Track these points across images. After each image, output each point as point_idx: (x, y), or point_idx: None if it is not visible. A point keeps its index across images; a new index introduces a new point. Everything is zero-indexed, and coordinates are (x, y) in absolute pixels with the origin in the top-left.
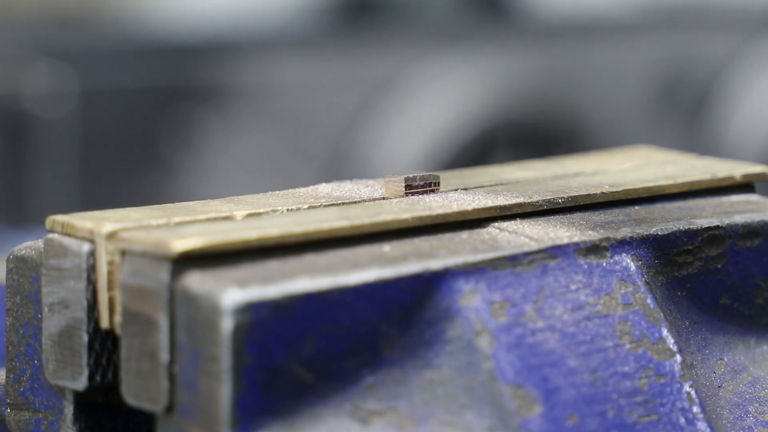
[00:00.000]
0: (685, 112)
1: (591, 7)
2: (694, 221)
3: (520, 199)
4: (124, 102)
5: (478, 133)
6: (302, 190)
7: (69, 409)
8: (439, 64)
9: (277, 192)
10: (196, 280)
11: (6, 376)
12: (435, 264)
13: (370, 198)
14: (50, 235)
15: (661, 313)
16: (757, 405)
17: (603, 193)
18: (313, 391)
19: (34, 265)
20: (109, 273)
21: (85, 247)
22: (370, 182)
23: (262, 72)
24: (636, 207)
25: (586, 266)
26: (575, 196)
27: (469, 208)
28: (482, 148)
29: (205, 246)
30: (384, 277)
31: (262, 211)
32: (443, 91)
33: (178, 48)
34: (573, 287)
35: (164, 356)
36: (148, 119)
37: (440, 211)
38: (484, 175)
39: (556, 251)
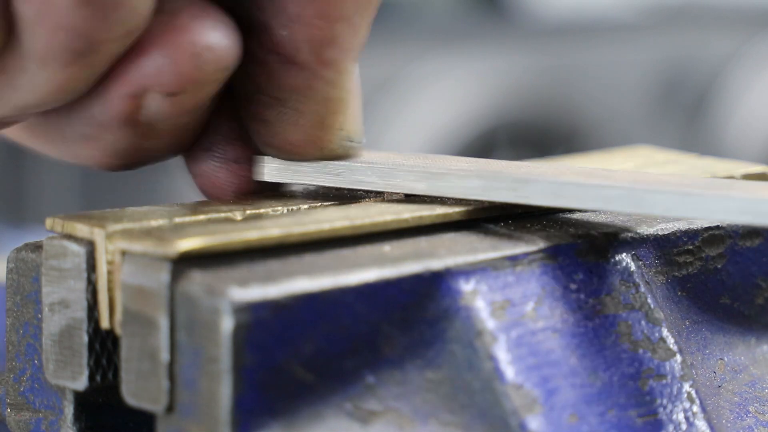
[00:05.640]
0: (685, 112)
1: (591, 7)
2: (694, 221)
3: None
4: None
5: (478, 132)
6: (303, 188)
7: (69, 409)
8: (439, 63)
9: (277, 192)
10: (196, 280)
11: (6, 376)
12: (435, 264)
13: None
14: (50, 235)
15: (661, 313)
16: (757, 405)
17: None
18: (313, 391)
19: (34, 265)
20: (109, 273)
21: (85, 247)
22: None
23: None
24: None
25: (586, 266)
26: None
27: (470, 207)
28: (482, 147)
29: (205, 246)
30: (384, 277)
31: (262, 211)
32: (443, 91)
33: None
34: (573, 287)
35: (164, 356)
36: None
37: (441, 210)
38: None
39: (556, 251)
